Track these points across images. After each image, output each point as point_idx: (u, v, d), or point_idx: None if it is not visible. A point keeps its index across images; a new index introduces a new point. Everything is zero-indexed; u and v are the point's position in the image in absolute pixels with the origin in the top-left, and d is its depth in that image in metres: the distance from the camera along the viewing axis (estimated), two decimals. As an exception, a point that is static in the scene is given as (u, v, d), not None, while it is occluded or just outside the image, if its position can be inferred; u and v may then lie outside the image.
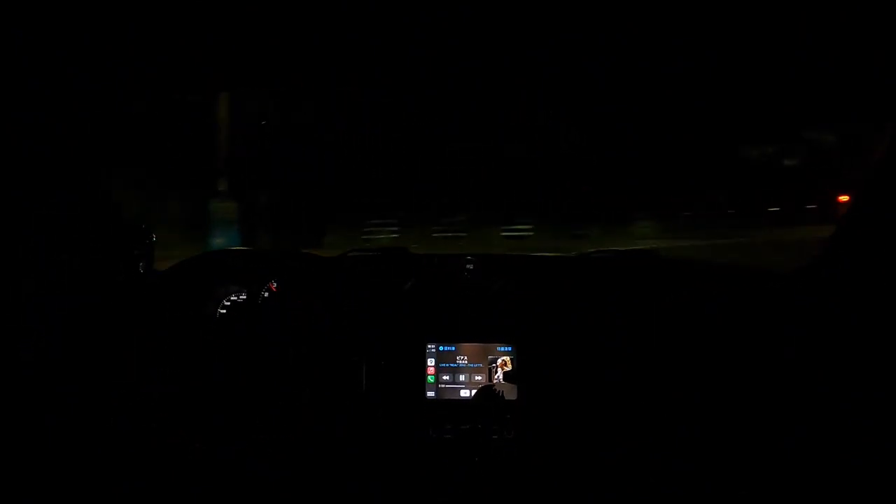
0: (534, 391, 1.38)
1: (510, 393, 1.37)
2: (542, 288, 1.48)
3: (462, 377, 1.42)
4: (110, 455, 1.22)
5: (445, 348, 1.43)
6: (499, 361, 1.42)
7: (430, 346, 1.43)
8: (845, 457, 1.03)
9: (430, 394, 1.41)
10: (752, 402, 1.26)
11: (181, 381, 1.39)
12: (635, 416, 1.33)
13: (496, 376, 1.41)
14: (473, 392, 1.36)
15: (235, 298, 1.54)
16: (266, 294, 1.53)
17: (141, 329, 1.40)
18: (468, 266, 1.54)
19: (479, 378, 1.41)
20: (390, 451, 1.33)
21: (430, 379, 1.42)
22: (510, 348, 1.42)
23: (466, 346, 1.44)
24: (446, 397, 1.41)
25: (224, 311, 1.55)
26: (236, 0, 0.87)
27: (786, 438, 1.16)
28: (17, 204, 0.95)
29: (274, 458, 1.30)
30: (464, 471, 1.24)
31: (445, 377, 1.42)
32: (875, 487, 0.99)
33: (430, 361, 1.43)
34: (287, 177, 2.89)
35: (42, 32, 0.84)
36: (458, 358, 1.43)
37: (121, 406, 1.28)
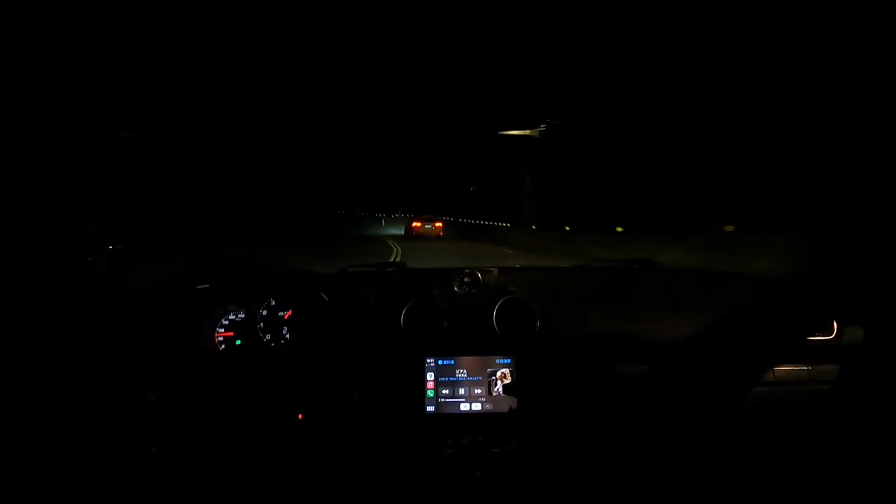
0: (534, 403, 1.38)
1: (510, 405, 1.37)
2: (541, 299, 1.49)
3: (461, 391, 1.42)
4: (110, 474, 1.21)
5: (444, 362, 1.44)
6: (498, 374, 1.42)
7: (429, 361, 1.44)
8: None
9: (430, 408, 1.41)
10: (751, 415, 1.27)
11: (180, 401, 1.38)
12: (635, 429, 1.33)
13: (495, 389, 1.41)
14: (473, 405, 1.36)
15: (234, 317, 1.54)
16: (264, 312, 1.54)
17: (137, 344, 1.40)
18: (465, 279, 1.55)
19: (479, 391, 1.42)
20: (391, 466, 1.32)
21: (430, 393, 1.42)
22: (509, 361, 1.43)
23: (465, 359, 1.44)
24: (446, 411, 1.41)
25: (223, 329, 1.55)
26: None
27: (789, 448, 1.17)
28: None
29: (273, 475, 1.29)
30: (465, 485, 1.24)
31: (445, 391, 1.42)
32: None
33: (430, 376, 1.43)
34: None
35: None
36: (457, 372, 1.43)
37: (119, 426, 1.28)
